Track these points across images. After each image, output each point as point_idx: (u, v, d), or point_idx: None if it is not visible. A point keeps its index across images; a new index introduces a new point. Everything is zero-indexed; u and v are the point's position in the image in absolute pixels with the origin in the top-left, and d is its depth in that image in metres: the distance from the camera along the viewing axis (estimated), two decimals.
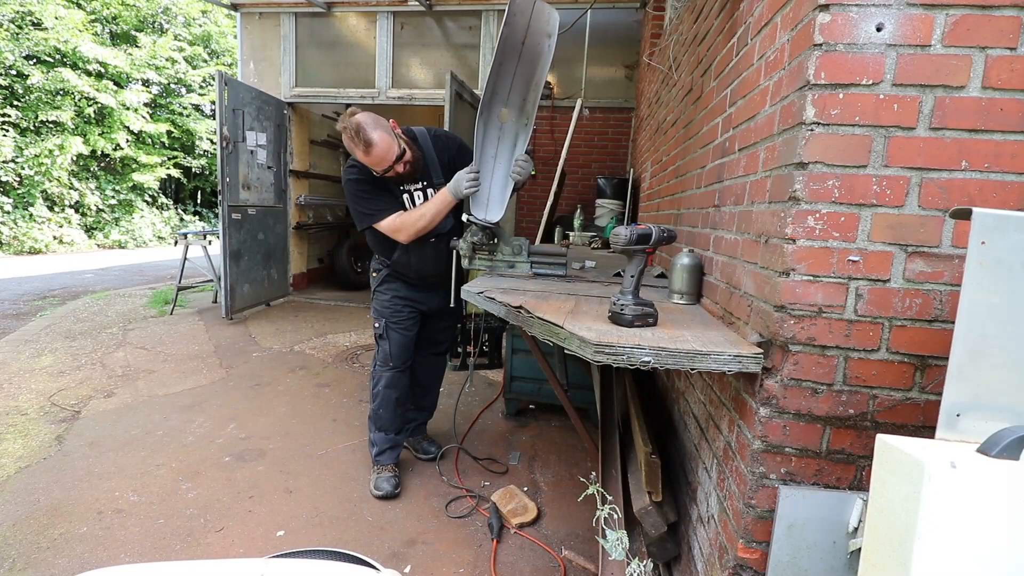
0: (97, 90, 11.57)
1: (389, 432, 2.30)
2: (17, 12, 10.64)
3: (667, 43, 2.75)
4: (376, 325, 2.28)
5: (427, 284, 2.28)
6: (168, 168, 13.60)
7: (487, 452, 2.64)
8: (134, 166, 13.00)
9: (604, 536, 1.54)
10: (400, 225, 2.05)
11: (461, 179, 1.94)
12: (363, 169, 2.01)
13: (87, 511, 2.05)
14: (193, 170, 15.26)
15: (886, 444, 0.73)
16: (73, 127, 11.49)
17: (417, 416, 2.58)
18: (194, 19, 14.83)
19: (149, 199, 14.06)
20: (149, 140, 13.31)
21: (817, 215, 0.98)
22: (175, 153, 14.00)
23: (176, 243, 5.47)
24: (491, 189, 1.97)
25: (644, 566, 1.45)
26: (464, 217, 1.96)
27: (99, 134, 11.83)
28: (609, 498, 1.61)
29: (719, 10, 1.63)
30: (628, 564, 1.47)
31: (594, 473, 1.79)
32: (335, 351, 4.31)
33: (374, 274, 2.32)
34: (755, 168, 1.21)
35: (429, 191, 2.11)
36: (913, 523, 0.64)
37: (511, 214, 5.56)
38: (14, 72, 10.66)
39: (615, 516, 1.56)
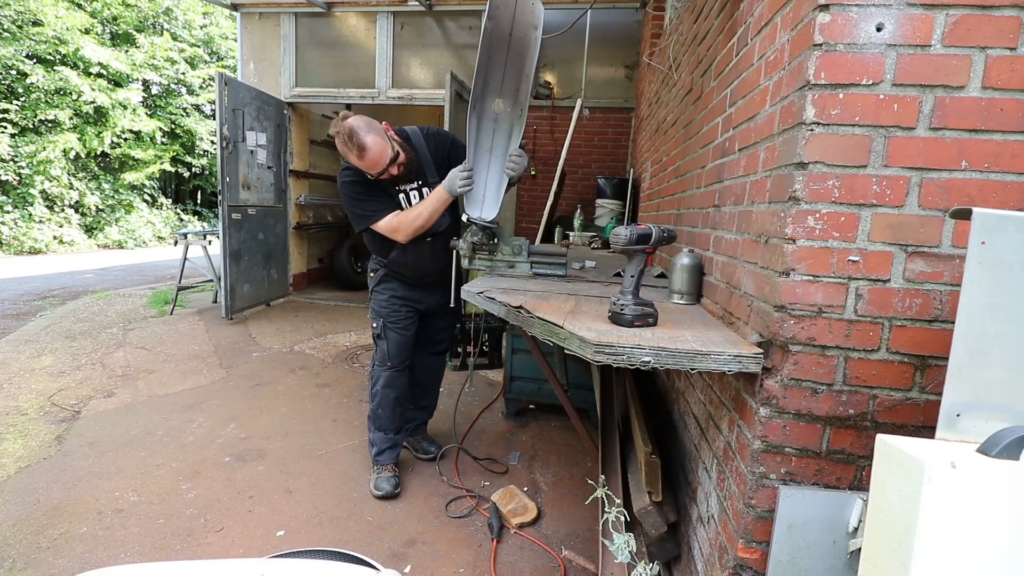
0: (94, 89, 11.56)
1: (388, 432, 2.30)
2: (18, 13, 10.64)
3: (667, 43, 2.75)
4: (374, 325, 2.28)
5: (425, 283, 2.28)
6: (164, 163, 13.55)
7: (487, 452, 2.64)
8: (131, 163, 13.00)
9: (611, 539, 1.54)
10: (398, 225, 2.05)
11: (455, 177, 1.93)
12: (358, 172, 2.02)
13: (87, 511, 2.05)
14: (193, 170, 15.26)
15: (886, 444, 0.73)
16: (72, 126, 11.49)
17: (417, 416, 2.58)
18: (195, 22, 14.82)
19: (148, 199, 14.06)
20: (148, 138, 13.30)
21: (817, 215, 0.98)
22: (173, 150, 13.97)
23: (176, 243, 5.47)
24: (486, 186, 1.97)
25: (650, 569, 1.45)
26: (464, 217, 1.96)
27: (96, 133, 11.84)
28: (617, 501, 1.61)
29: (719, 10, 1.63)
30: (634, 567, 1.47)
31: (603, 476, 1.78)
32: (335, 351, 4.31)
33: (372, 274, 2.32)
34: (755, 168, 1.21)
35: (425, 190, 2.12)
36: (913, 523, 0.64)
37: (511, 214, 5.56)
38: (14, 72, 10.66)
39: (622, 519, 1.55)
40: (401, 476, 2.33)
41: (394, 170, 1.97)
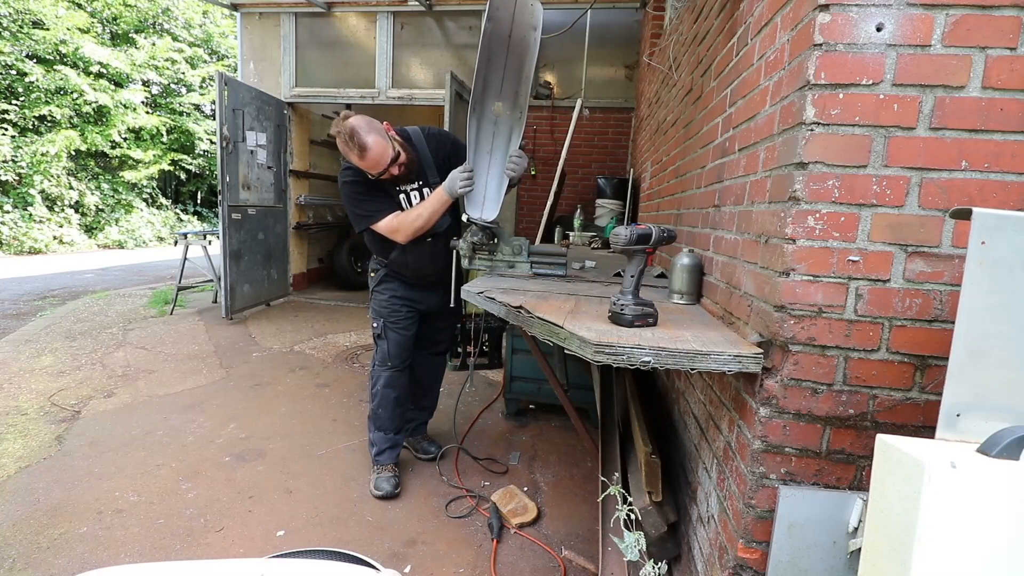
0: (95, 89, 11.56)
1: (388, 432, 2.30)
2: (17, 12, 10.64)
3: (667, 43, 2.75)
4: (374, 325, 2.28)
5: (425, 283, 2.28)
6: (165, 163, 13.54)
7: (487, 452, 2.64)
8: (131, 162, 13.00)
9: (621, 537, 1.54)
10: (397, 225, 2.06)
11: (455, 178, 1.94)
12: (358, 171, 2.02)
13: (87, 511, 2.05)
14: (193, 170, 15.25)
15: (886, 444, 0.73)
16: (72, 125, 11.49)
17: (417, 416, 2.58)
18: (194, 21, 14.81)
19: (148, 199, 14.05)
20: (148, 137, 13.30)
21: (817, 215, 0.98)
22: (174, 154, 13.97)
23: (176, 243, 5.47)
24: (487, 187, 1.97)
25: (658, 569, 1.45)
26: (464, 217, 1.97)
27: (97, 132, 11.84)
28: (630, 499, 1.61)
29: (719, 10, 1.63)
30: (642, 566, 1.47)
31: (617, 474, 1.78)
32: (335, 351, 4.30)
33: (372, 274, 2.32)
34: (755, 168, 1.21)
35: (425, 190, 2.12)
36: (913, 523, 0.64)
37: (511, 214, 5.56)
38: (14, 72, 10.66)
39: (633, 517, 1.55)
40: (401, 476, 2.33)
41: (395, 170, 1.98)
